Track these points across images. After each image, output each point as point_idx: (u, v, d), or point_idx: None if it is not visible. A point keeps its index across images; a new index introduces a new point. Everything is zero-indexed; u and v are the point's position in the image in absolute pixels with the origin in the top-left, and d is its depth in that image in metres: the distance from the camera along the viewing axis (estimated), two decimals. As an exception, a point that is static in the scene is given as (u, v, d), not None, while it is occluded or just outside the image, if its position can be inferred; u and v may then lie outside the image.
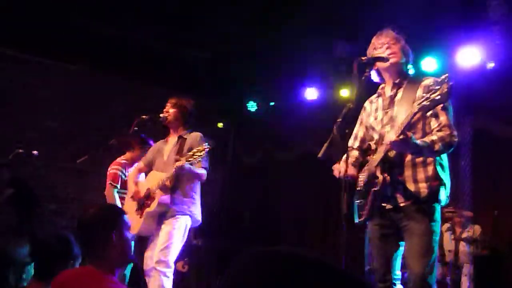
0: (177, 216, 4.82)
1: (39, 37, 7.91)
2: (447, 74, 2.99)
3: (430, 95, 2.99)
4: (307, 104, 9.03)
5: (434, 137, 3.22)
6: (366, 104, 3.76)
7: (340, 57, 7.11)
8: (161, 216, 4.88)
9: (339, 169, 3.41)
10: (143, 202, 5.00)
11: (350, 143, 3.75)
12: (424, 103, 3.01)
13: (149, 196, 4.96)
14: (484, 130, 7.03)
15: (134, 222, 4.85)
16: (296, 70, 8.44)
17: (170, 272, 4.67)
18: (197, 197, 5.01)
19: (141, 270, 4.99)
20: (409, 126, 3.17)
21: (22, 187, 7.73)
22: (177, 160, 4.75)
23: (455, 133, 3.26)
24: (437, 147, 3.19)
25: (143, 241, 5.13)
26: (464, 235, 6.94)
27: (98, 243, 2.46)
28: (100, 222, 2.49)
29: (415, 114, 3.09)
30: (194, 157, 4.61)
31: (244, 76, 9.18)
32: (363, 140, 3.72)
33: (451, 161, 3.46)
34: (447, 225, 7.11)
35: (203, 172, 4.86)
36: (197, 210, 4.97)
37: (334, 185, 3.43)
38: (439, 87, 2.97)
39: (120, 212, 2.62)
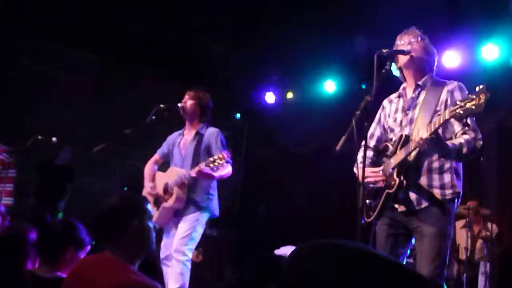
0: (196, 212, 4.93)
1: (59, 26, 7.94)
2: (484, 86, 2.82)
3: (465, 103, 2.82)
4: (325, 97, 8.98)
5: (462, 140, 3.16)
6: (385, 103, 3.69)
7: (360, 50, 7.04)
8: (178, 211, 4.98)
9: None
10: (160, 196, 5.11)
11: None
12: (458, 110, 2.84)
13: (166, 191, 5.06)
14: (508, 126, 6.94)
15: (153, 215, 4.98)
16: (314, 63, 8.38)
17: (188, 261, 4.82)
18: (215, 193, 5.12)
19: (157, 259, 5.06)
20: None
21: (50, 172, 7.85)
22: (197, 162, 4.86)
23: (480, 136, 3.21)
24: (464, 150, 3.13)
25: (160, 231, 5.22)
26: (483, 233, 6.85)
27: (118, 231, 2.43)
28: (121, 210, 2.47)
29: (446, 120, 2.97)
30: (215, 163, 4.68)
31: (260, 68, 9.14)
32: (379, 140, 3.66)
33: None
34: (462, 221, 7.01)
35: (228, 171, 4.94)
36: (214, 204, 5.09)
37: (349, 179, 3.40)
38: (475, 96, 2.80)
39: (143, 201, 2.59)
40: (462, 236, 6.91)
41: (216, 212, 5.10)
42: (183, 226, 4.88)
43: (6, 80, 8.32)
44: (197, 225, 4.91)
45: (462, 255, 6.83)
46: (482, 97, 2.79)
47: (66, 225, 2.97)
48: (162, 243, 5.02)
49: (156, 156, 5.42)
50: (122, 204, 2.51)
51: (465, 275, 6.47)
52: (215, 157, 4.70)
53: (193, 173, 4.79)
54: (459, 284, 6.60)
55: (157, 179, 5.27)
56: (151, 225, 2.53)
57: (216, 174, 4.84)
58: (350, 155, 3.40)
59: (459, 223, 7.03)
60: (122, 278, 2.26)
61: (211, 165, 4.67)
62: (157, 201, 5.11)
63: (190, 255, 4.85)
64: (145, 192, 5.24)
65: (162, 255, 4.97)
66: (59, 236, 2.92)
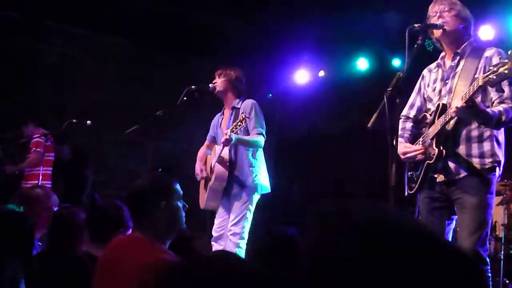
0: (245, 192, 4.93)
1: (87, 11, 8.00)
2: None
3: (498, 68, 2.76)
4: (358, 74, 8.87)
5: (501, 108, 3.08)
6: (425, 72, 3.63)
7: (392, 25, 6.91)
8: (227, 190, 4.99)
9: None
10: (208, 178, 5.13)
11: (405, 111, 3.64)
12: (490, 76, 2.79)
13: (212, 170, 5.08)
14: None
15: (202, 197, 5.16)
16: (346, 40, 8.27)
17: (243, 243, 4.85)
18: (260, 164, 5.05)
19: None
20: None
21: (78, 157, 7.94)
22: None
23: None
24: (503, 118, 3.06)
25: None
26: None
27: (148, 212, 2.46)
28: (149, 190, 2.50)
29: (480, 87, 2.90)
30: (237, 127, 4.67)
31: (292, 47, 9.06)
32: (419, 110, 3.61)
33: (507, 134, 3.34)
34: (499, 198, 6.89)
35: (257, 139, 4.89)
36: (262, 177, 5.02)
37: (382, 157, 3.35)
38: (507, 60, 2.73)
39: (172, 182, 2.61)
40: (499, 213, 6.80)
41: (266, 184, 5.04)
42: (236, 208, 4.90)
43: (39, 65, 8.44)
44: (248, 205, 4.92)
45: (500, 233, 6.73)
46: None
47: (118, 208, 3.05)
48: (215, 223, 5.08)
49: (206, 142, 5.43)
50: (150, 185, 2.54)
51: (502, 252, 6.38)
52: (237, 121, 4.71)
53: (222, 143, 4.81)
54: (496, 261, 6.50)
55: (207, 162, 5.29)
56: (180, 205, 2.55)
57: (249, 138, 4.85)
58: (382, 133, 3.35)
59: (496, 200, 6.91)
60: (151, 257, 2.29)
61: (235, 130, 4.68)
62: (206, 184, 5.13)
63: (246, 237, 4.88)
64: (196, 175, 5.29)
65: (214, 234, 5.03)
66: (113, 219, 3.02)
